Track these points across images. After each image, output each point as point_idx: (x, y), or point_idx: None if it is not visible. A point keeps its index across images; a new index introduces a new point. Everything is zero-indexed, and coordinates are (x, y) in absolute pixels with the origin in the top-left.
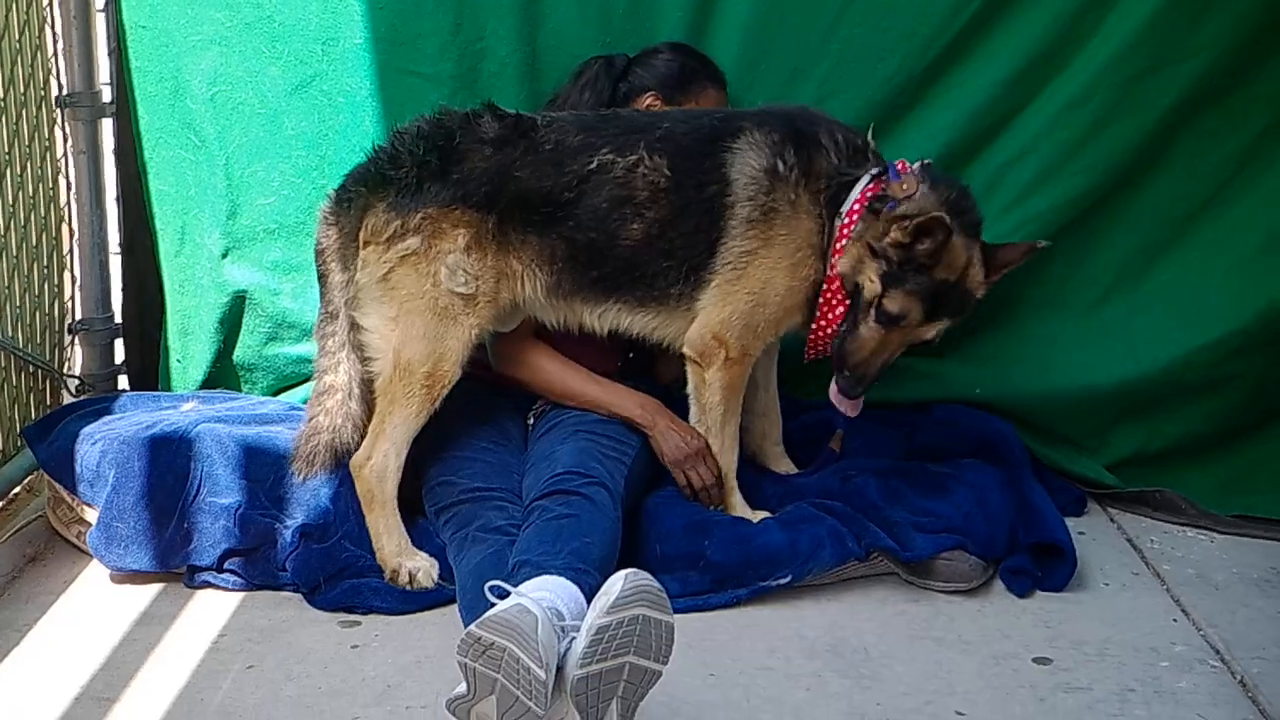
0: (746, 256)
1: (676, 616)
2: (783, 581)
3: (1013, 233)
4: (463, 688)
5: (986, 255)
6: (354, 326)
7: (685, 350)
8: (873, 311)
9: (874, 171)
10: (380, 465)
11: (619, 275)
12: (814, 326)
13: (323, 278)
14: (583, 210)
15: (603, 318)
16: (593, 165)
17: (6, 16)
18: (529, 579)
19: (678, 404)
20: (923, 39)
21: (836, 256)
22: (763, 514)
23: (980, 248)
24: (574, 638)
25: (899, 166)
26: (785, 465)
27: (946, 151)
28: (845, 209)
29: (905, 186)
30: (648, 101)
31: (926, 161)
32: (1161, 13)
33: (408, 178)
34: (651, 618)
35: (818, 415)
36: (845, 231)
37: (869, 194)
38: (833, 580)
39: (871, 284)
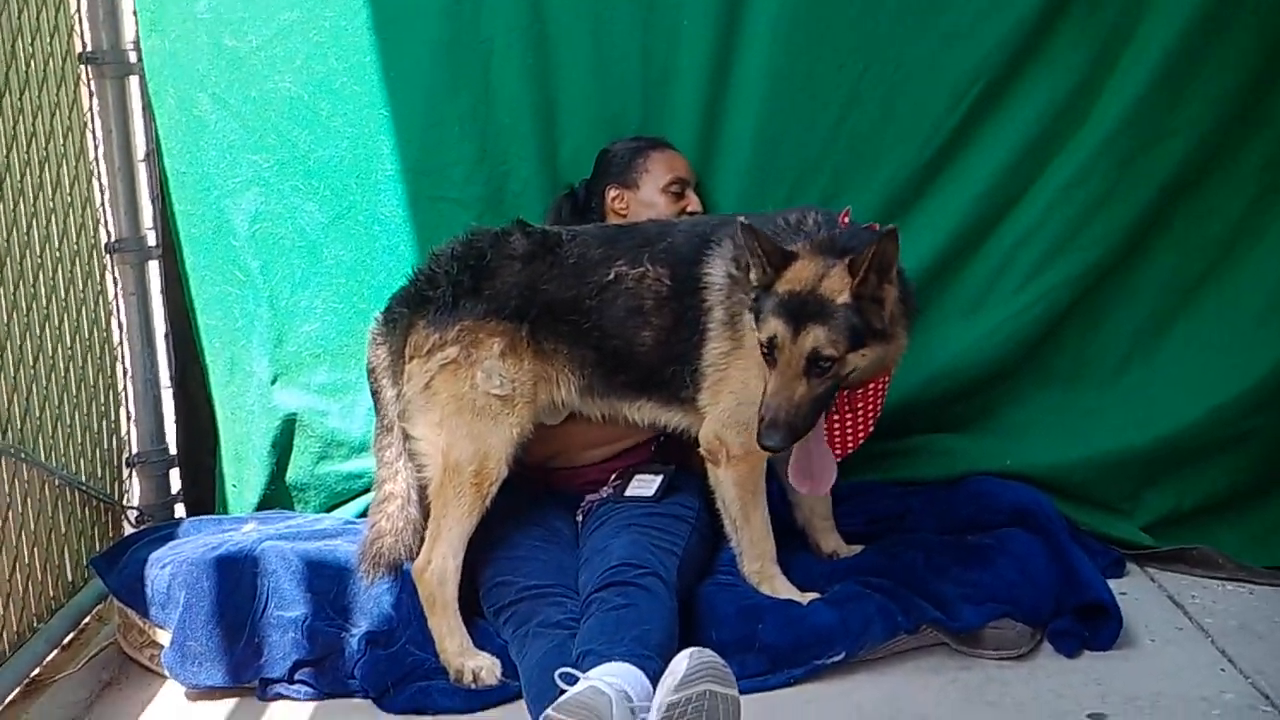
0: (725, 357)
1: None
2: (836, 659)
3: (1028, 308)
4: None
5: (850, 266)
6: (406, 437)
7: (700, 449)
8: (763, 354)
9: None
10: (440, 568)
11: (643, 379)
12: None
13: (376, 394)
14: (605, 319)
15: (640, 412)
16: (610, 276)
17: (57, 171)
18: (595, 666)
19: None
20: (923, 134)
21: None
22: (811, 595)
23: (848, 264)
24: (644, 717)
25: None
26: (833, 541)
27: (957, 237)
28: None
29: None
30: (612, 194)
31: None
32: (1144, 97)
33: (444, 296)
34: (719, 692)
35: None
36: None
37: None
38: (885, 654)
39: (753, 330)
